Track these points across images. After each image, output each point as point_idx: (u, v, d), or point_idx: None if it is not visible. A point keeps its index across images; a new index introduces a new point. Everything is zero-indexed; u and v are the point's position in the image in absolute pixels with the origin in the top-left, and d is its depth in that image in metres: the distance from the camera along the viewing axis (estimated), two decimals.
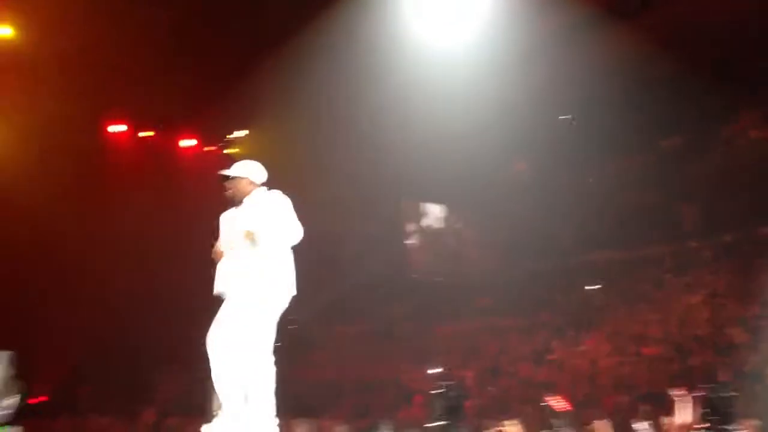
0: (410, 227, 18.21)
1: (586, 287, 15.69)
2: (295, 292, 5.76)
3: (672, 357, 13.51)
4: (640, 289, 15.28)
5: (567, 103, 14.92)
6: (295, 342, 16.29)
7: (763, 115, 14.11)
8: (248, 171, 5.93)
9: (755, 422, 9.83)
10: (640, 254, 15.46)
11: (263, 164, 5.85)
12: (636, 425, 11.48)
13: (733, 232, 14.34)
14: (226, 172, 5.85)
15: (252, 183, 5.88)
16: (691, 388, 10.56)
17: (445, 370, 13.18)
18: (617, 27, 12.64)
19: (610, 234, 15.67)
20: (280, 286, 5.67)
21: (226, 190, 5.82)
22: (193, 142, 16.03)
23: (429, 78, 13.11)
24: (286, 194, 5.65)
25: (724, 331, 13.13)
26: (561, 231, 15.24)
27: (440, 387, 8.10)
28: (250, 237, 5.39)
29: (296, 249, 5.48)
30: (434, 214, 18.17)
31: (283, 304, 5.75)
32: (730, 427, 7.85)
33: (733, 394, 8.11)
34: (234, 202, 5.81)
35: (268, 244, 5.53)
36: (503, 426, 11.05)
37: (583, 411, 13.19)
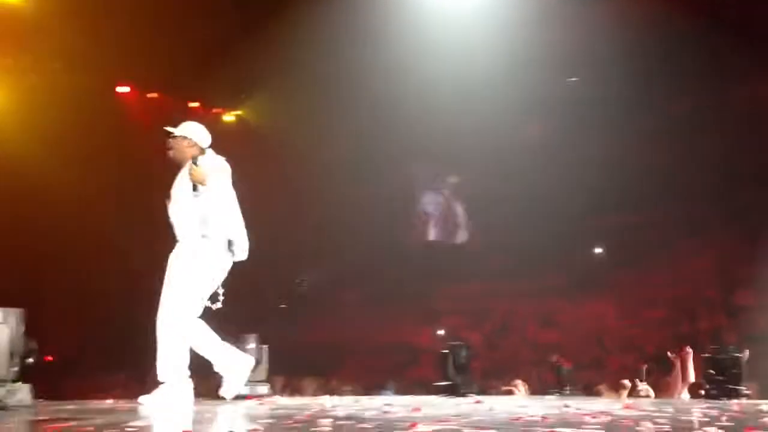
0: (420, 190, 18.22)
1: (595, 250, 15.72)
2: (243, 257, 5.77)
3: (680, 319, 13.57)
4: (650, 252, 15.29)
5: (582, 63, 14.75)
6: (304, 304, 16.48)
7: None
8: (192, 131, 5.85)
9: (755, 384, 9.90)
10: (651, 217, 15.45)
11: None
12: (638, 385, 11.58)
13: (744, 195, 14.29)
14: (170, 129, 5.80)
15: (194, 145, 5.82)
16: (698, 350, 10.63)
17: (453, 331, 13.31)
18: None
19: (621, 196, 15.64)
20: (214, 245, 5.67)
21: (169, 148, 5.82)
22: (196, 104, 16.00)
23: (442, 39, 13.02)
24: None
25: (732, 294, 13.16)
26: (573, 193, 15.18)
27: (448, 347, 8.19)
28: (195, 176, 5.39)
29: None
30: (445, 176, 18.16)
31: (218, 263, 5.66)
32: (735, 387, 7.90)
33: (739, 355, 8.15)
34: (176, 161, 5.81)
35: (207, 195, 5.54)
36: (509, 385, 11.17)
37: (588, 373, 13.34)
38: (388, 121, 14.87)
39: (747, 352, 8.76)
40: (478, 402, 6.55)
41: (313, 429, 3.57)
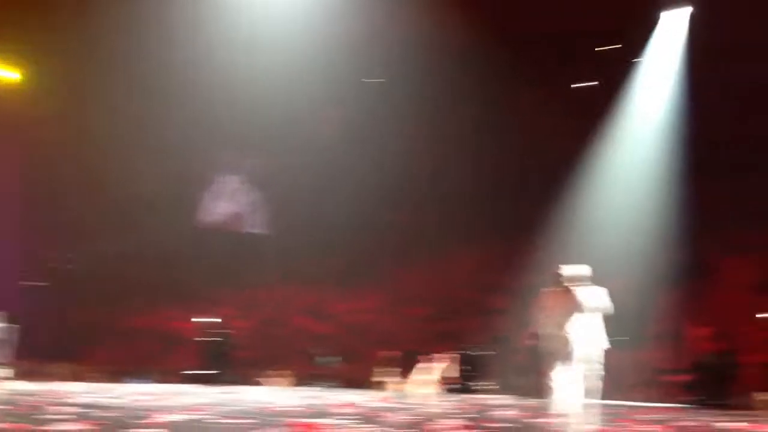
0: (212, 177, 17.84)
1: (367, 245, 16.11)
2: None
3: (440, 317, 14.28)
4: (419, 251, 15.94)
5: (387, 62, 15.07)
6: (67, 283, 15.51)
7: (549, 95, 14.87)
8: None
9: (500, 380, 10.74)
10: (423, 218, 16.08)
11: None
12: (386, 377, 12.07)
13: (504, 203, 15.28)
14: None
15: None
16: (452, 347, 11.30)
17: (218, 320, 13.11)
18: None
19: (400, 196, 16.15)
20: None
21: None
22: None
23: (253, 33, 12.91)
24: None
25: (487, 297, 14.03)
26: (361, 189, 15.49)
27: (209, 336, 8.10)
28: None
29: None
30: (242, 163, 17.88)
31: None
32: (481, 383, 8.51)
33: (488, 353, 8.78)
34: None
35: None
36: (275, 375, 11.22)
37: (356, 365, 13.72)
38: (195, 109, 14.42)
39: (493, 351, 9.48)
40: (233, 391, 6.54)
41: (37, 415, 3.39)
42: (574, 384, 6.92)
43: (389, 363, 12.97)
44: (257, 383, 10.83)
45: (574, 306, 6.89)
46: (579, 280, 6.95)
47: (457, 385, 8.81)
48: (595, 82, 14.52)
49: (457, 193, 15.32)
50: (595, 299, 6.84)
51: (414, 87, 14.58)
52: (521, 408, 4.95)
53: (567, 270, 7.12)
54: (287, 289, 16.39)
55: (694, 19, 13.50)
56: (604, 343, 6.94)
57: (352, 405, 4.74)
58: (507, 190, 15.03)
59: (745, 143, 12.79)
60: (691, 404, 7.68)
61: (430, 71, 14.31)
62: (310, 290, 16.03)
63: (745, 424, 5.11)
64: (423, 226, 15.89)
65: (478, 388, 8.44)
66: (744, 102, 12.83)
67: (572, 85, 14.75)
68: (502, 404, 5.35)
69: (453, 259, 15.35)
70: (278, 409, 4.41)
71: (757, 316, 11.81)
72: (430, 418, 4.33)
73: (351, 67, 14.47)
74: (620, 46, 13.88)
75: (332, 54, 13.66)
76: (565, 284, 6.95)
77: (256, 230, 17.07)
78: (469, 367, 9.02)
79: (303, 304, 15.90)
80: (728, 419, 5.56)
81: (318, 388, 8.69)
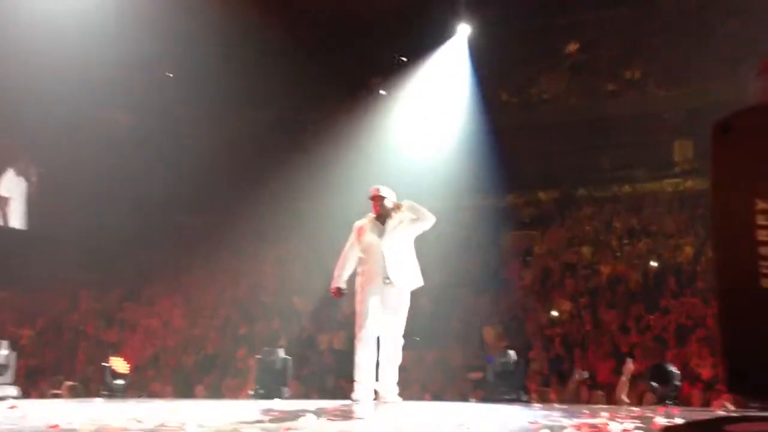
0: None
1: (165, 249, 15.60)
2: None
3: (240, 321, 14.09)
4: (218, 254, 15.66)
5: (176, 65, 14.63)
6: None
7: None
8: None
9: (301, 384, 10.70)
10: (223, 220, 15.82)
11: None
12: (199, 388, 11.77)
13: (306, 202, 15.44)
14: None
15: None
16: (253, 352, 11.14)
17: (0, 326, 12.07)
18: None
19: (195, 197, 15.79)
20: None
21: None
22: None
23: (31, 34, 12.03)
24: None
25: (290, 299, 14.06)
26: (153, 188, 14.89)
27: None
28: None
29: None
30: (23, 163, 16.67)
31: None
32: (280, 389, 8.40)
33: (287, 357, 8.70)
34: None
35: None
36: (58, 387, 10.53)
37: (148, 372, 13.17)
38: None
39: (294, 355, 9.41)
40: (13, 407, 5.98)
41: None
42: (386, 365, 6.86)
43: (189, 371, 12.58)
44: (54, 396, 10.03)
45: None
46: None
47: (257, 390, 8.63)
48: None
49: (255, 194, 15.22)
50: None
51: (212, 87, 14.31)
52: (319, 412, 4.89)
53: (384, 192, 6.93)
54: (75, 293, 15.43)
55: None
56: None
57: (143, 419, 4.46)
58: (308, 191, 15.16)
59: None
60: (486, 401, 8.03)
61: (228, 71, 14.12)
62: (103, 294, 15.20)
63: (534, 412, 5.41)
64: (221, 228, 15.59)
65: (276, 393, 8.31)
66: None
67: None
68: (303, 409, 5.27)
69: (254, 260, 15.18)
70: (66, 426, 4.04)
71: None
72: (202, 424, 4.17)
73: (141, 65, 13.94)
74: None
75: (120, 53, 13.07)
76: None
77: (31, 229, 15.91)
78: (268, 372, 8.86)
79: (94, 309, 15.04)
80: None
81: (108, 399, 8.16)
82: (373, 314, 6.79)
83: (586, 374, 10.19)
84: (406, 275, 6.88)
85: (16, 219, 16.63)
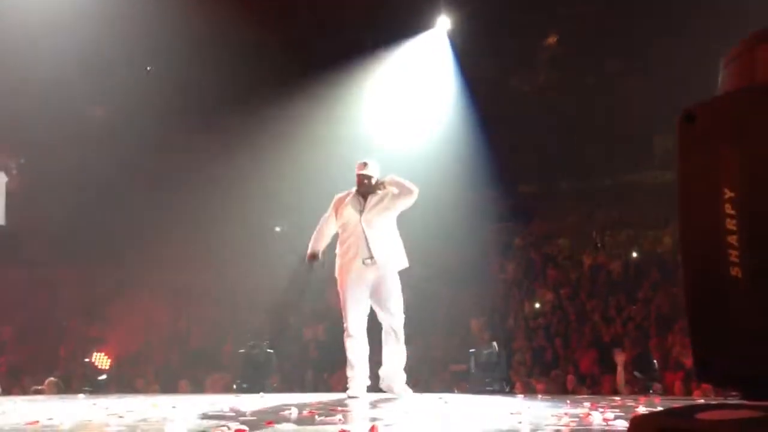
0: None
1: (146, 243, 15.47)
2: None
3: (225, 316, 14.07)
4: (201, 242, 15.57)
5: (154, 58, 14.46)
6: None
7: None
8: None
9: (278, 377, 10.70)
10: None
11: None
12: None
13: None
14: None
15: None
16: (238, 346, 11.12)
17: None
18: None
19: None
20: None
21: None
22: None
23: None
24: None
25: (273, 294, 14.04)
26: (127, 186, 14.77)
27: None
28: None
29: None
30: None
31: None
32: (264, 381, 8.42)
33: (269, 350, 8.70)
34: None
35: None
36: (42, 384, 10.47)
37: (131, 368, 13.13)
38: None
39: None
40: None
41: None
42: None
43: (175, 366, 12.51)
44: (36, 392, 9.97)
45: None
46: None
47: (240, 384, 8.63)
48: None
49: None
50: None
51: (192, 84, 14.16)
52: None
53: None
54: (56, 288, 15.32)
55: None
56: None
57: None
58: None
59: None
60: (471, 392, 8.08)
61: (207, 68, 13.98)
62: (83, 289, 15.09)
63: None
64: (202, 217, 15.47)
65: (260, 386, 8.31)
66: None
67: None
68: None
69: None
70: (46, 422, 4.03)
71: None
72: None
73: (119, 61, 13.80)
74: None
75: (100, 48, 12.94)
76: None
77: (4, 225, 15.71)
78: (252, 365, 8.86)
79: (76, 304, 14.94)
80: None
81: (89, 396, 8.13)
82: (358, 301, 6.30)
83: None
84: (389, 254, 6.35)
85: None
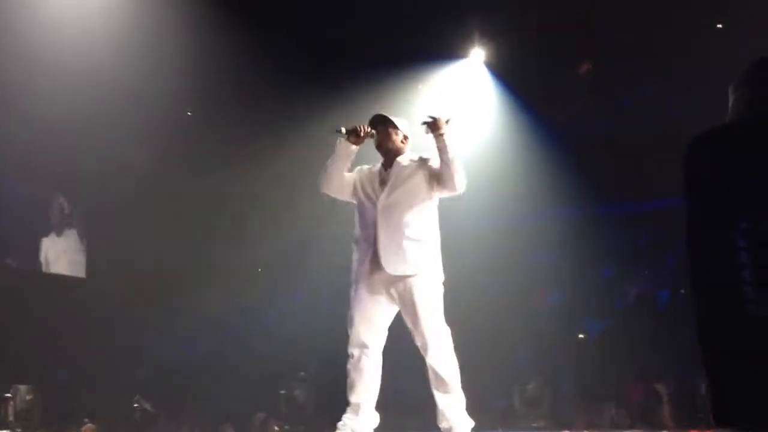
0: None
1: None
2: None
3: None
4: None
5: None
6: None
7: None
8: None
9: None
10: None
11: None
12: None
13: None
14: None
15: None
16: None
17: None
18: None
19: None
20: None
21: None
22: None
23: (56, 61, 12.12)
24: None
25: None
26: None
27: None
28: None
29: None
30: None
31: None
32: None
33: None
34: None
35: None
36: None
37: None
38: None
39: None
40: None
41: None
42: None
43: None
44: None
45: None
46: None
47: None
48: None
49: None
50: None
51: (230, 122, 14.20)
52: None
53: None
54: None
55: None
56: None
57: None
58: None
59: None
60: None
61: (246, 105, 14.01)
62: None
63: None
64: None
65: None
66: None
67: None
68: None
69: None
70: None
71: None
72: None
73: (160, 100, 13.90)
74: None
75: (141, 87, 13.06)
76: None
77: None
78: None
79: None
80: None
81: None
82: (364, 320, 4.61)
83: None
84: (406, 258, 4.52)
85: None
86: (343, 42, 13.29)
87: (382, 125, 4.69)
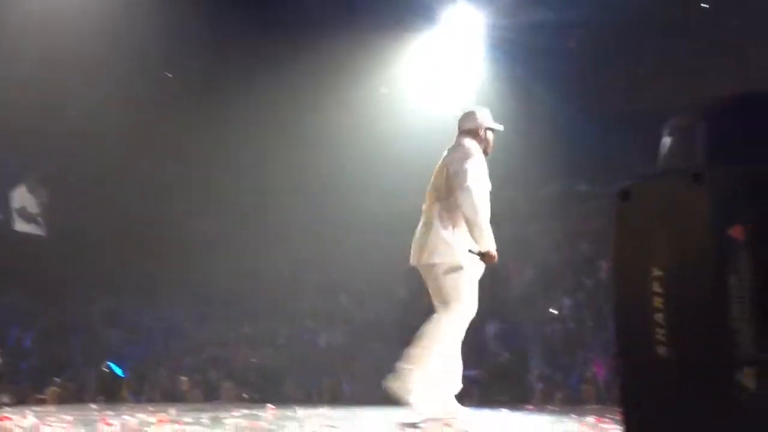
0: None
1: None
2: None
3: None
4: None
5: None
6: None
7: None
8: None
9: None
10: None
11: None
12: None
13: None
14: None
15: None
16: None
17: None
18: None
19: None
20: None
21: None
22: None
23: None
24: None
25: None
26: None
27: None
28: None
29: None
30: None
31: None
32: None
33: None
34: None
35: None
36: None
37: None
38: None
39: None
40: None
41: None
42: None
43: None
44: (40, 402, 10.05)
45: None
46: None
47: None
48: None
49: None
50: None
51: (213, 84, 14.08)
52: None
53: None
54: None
55: None
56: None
57: None
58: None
59: None
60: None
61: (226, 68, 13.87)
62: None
63: None
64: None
65: None
66: None
67: None
68: None
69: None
70: None
71: None
72: None
73: (142, 63, 13.74)
74: None
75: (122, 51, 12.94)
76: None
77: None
78: None
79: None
80: None
81: None
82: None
83: None
84: (423, 246, 4.80)
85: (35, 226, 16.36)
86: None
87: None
